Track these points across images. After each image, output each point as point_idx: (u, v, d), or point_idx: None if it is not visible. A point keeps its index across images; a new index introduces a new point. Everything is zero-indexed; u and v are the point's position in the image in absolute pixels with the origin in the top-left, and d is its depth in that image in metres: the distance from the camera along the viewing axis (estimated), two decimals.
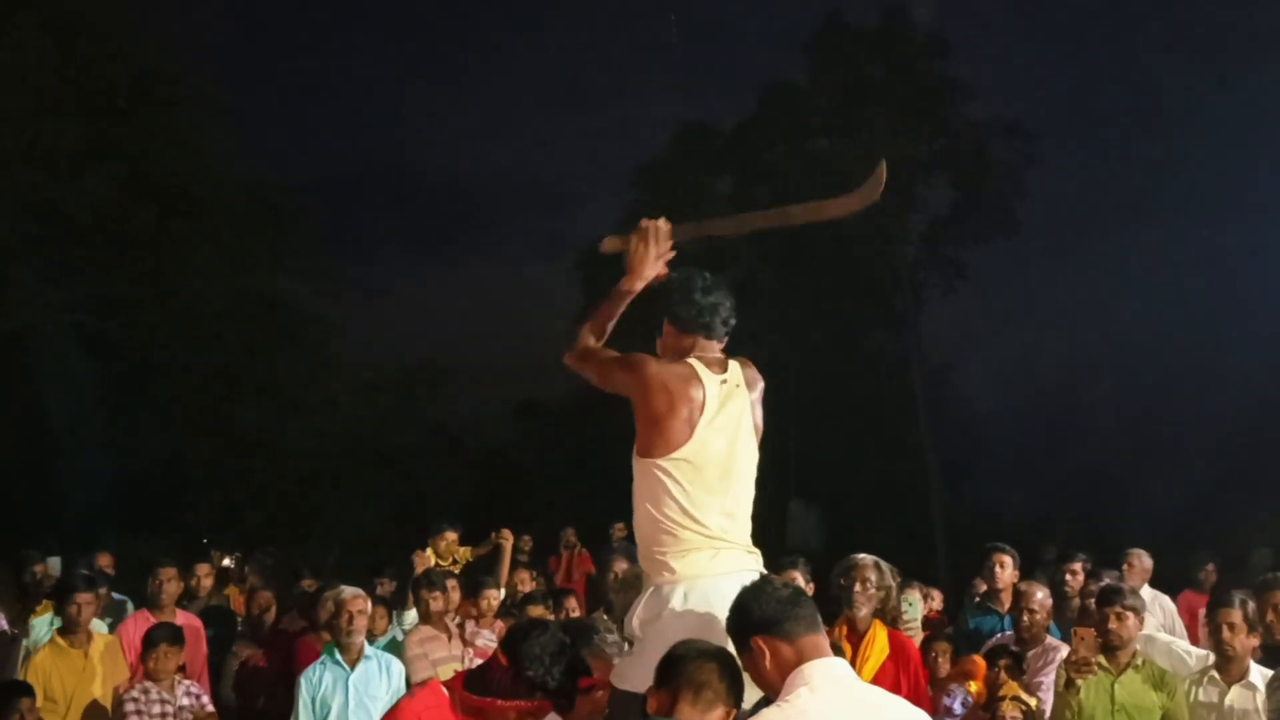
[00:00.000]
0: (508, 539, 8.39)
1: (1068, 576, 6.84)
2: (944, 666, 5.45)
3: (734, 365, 3.32)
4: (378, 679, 5.58)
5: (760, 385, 3.39)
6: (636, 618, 3.18)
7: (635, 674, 3.04)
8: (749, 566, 3.20)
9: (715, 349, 3.33)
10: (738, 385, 3.28)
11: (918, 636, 5.80)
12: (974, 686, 5.21)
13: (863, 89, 22.10)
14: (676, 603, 3.08)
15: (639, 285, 3.40)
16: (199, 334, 18.90)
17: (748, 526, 3.29)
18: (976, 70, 22.16)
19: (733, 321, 3.37)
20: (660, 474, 3.17)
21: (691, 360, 3.27)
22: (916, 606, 5.98)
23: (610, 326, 3.45)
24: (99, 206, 17.24)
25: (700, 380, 3.21)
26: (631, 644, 3.30)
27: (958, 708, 5.19)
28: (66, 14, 17.29)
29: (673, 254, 3.44)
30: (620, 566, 6.02)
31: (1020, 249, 22.53)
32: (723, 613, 2.94)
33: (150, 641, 5.65)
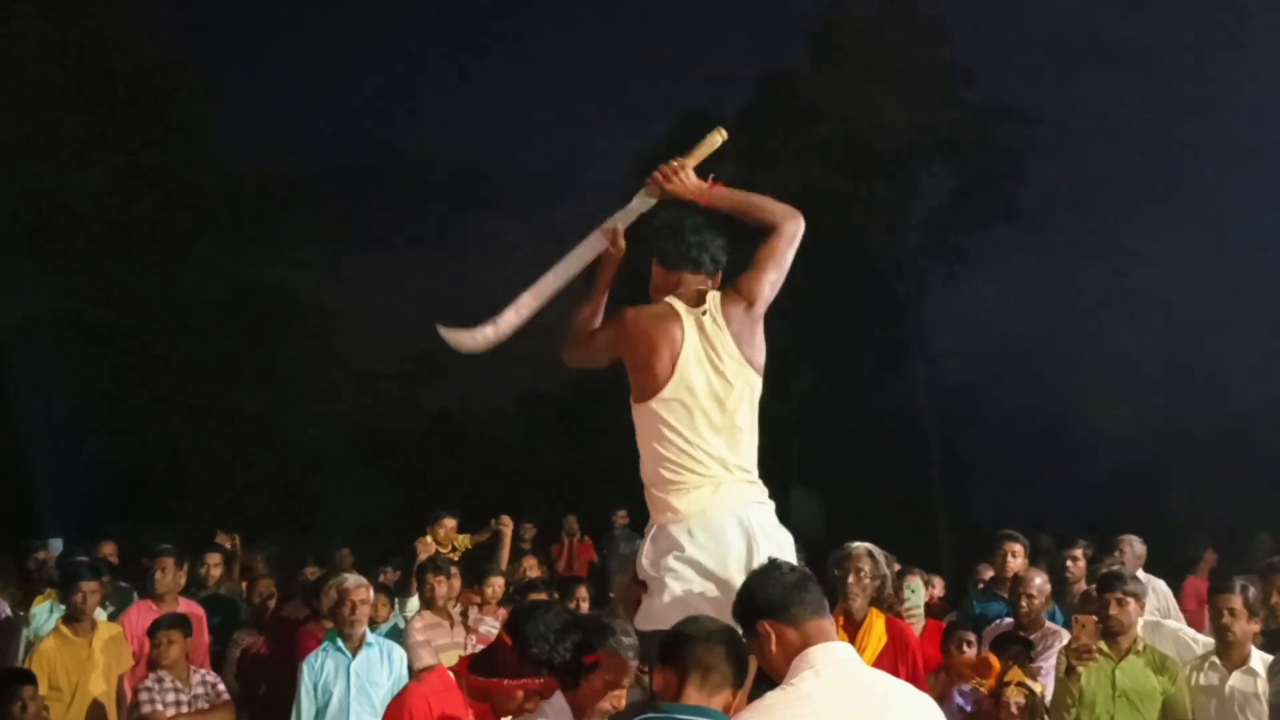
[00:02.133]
0: (507, 526, 8.41)
1: (1068, 563, 6.86)
2: (969, 655, 5.41)
3: (713, 296, 3.31)
4: (379, 666, 5.61)
5: (746, 309, 3.28)
6: (645, 557, 3.21)
7: (654, 614, 3.11)
8: (753, 499, 3.23)
9: (701, 283, 3.35)
10: (716, 317, 3.27)
11: (920, 623, 5.80)
12: (984, 687, 5.21)
13: (863, 75, 22.02)
14: (683, 540, 3.13)
15: (604, 280, 3.46)
16: (200, 323, 18.88)
17: (752, 456, 3.29)
18: (978, 55, 22.06)
19: (722, 258, 3.39)
20: (654, 416, 3.21)
21: (669, 299, 3.30)
22: (919, 593, 5.98)
23: (597, 307, 3.47)
24: (99, 196, 17.23)
25: (678, 316, 3.25)
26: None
27: (970, 707, 5.19)
28: (65, 3, 17.24)
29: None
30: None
31: (1023, 235, 22.48)
32: (729, 548, 3.06)
33: (153, 629, 5.68)
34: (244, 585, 7.95)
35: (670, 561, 3.13)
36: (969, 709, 5.12)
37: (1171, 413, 18.48)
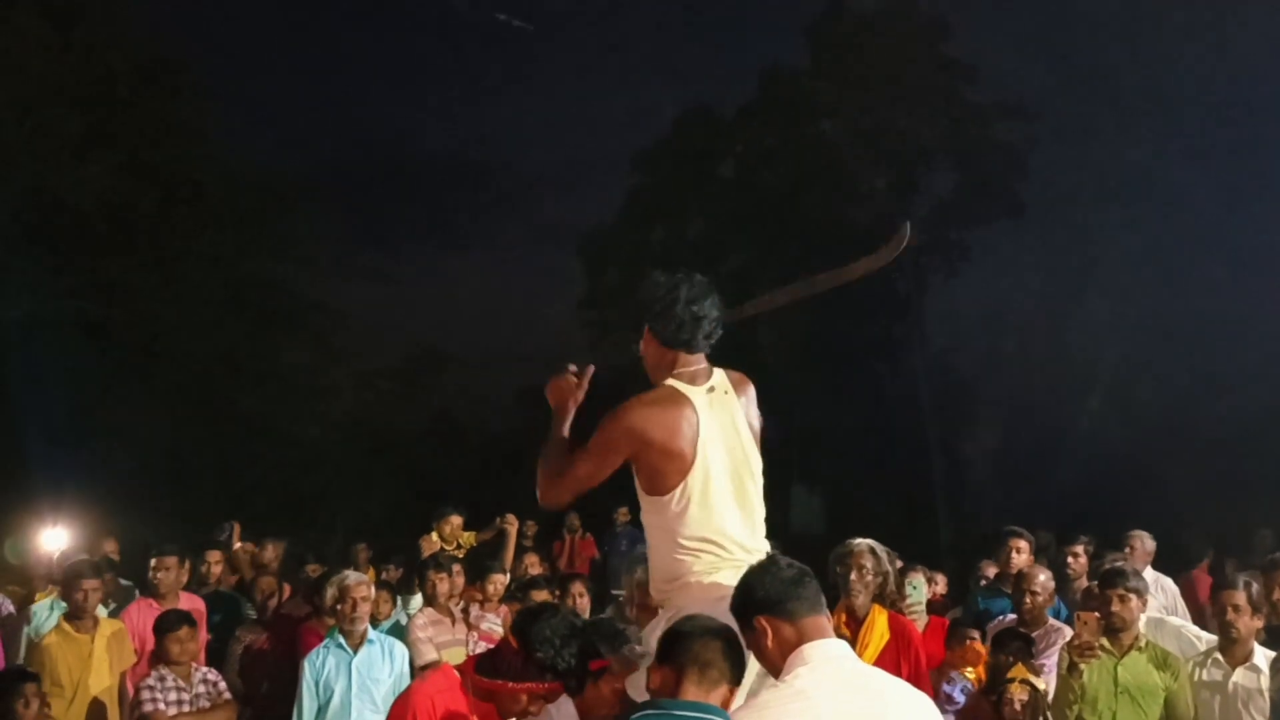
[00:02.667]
0: (513, 524, 8.42)
1: (1069, 559, 6.86)
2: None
3: (719, 372, 3.28)
4: (380, 662, 5.63)
5: (750, 389, 3.35)
6: (656, 640, 3.14)
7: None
8: None
9: (698, 361, 3.28)
10: (726, 391, 3.25)
11: (922, 619, 5.80)
12: (972, 674, 5.20)
13: (864, 72, 22.02)
14: None
15: (568, 423, 3.42)
16: (201, 320, 18.88)
17: (763, 533, 3.28)
18: (978, 52, 22.02)
19: (717, 333, 3.30)
20: (675, 501, 3.15)
21: (670, 381, 3.23)
22: (921, 589, 5.96)
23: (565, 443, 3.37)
24: (100, 194, 17.23)
25: (686, 398, 3.18)
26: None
27: (958, 695, 5.18)
28: (67, 2, 17.24)
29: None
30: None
31: (1024, 232, 22.44)
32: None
33: (167, 628, 5.64)
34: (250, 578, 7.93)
35: None
36: (955, 696, 5.11)
37: (1172, 411, 18.46)
